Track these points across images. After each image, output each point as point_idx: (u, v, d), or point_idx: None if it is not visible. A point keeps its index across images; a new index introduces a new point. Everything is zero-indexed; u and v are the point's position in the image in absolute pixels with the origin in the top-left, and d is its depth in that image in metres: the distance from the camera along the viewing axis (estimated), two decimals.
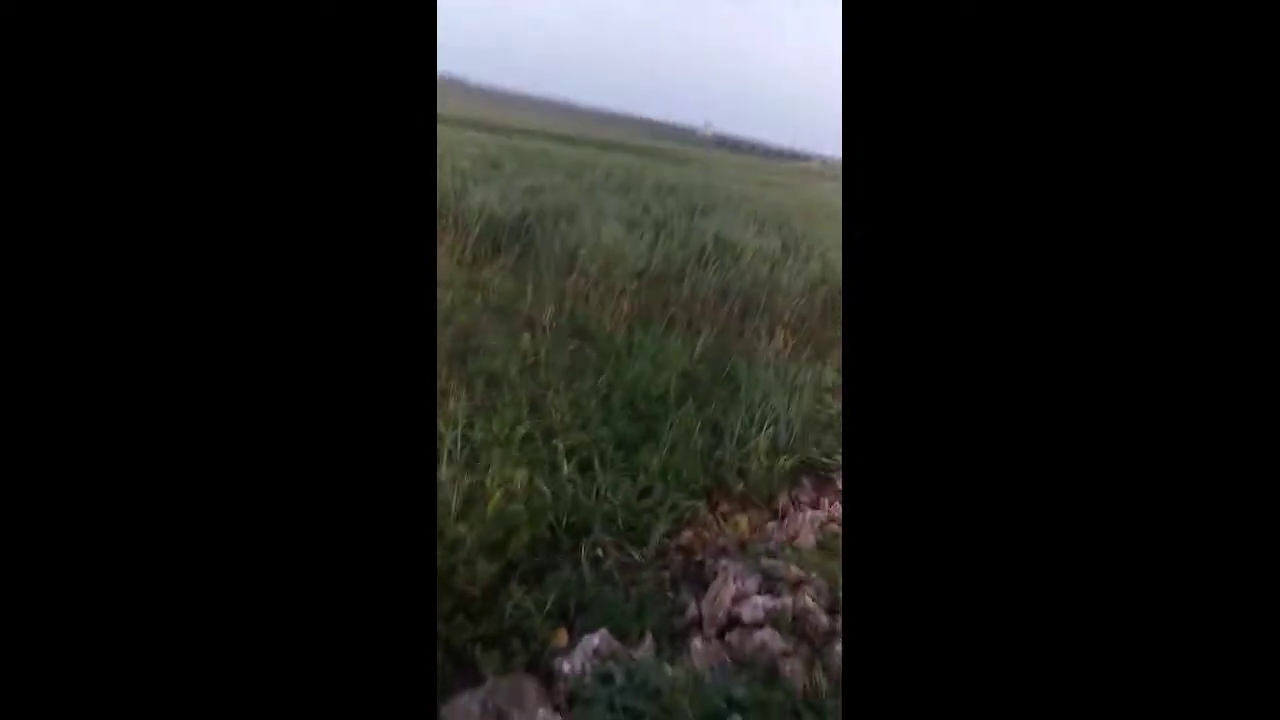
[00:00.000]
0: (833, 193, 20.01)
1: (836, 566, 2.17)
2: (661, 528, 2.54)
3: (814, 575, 2.17)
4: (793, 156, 64.44)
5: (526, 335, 3.99)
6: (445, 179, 7.07)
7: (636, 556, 2.40)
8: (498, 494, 2.37)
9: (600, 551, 2.38)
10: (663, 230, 6.40)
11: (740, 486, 2.86)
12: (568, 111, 67.82)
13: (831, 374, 4.60)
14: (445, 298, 4.46)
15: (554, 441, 2.86)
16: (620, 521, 2.53)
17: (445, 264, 5.31)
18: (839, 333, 5.54)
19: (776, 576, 2.18)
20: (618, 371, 3.78)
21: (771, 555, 2.34)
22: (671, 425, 3.16)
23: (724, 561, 2.32)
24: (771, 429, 3.22)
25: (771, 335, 5.18)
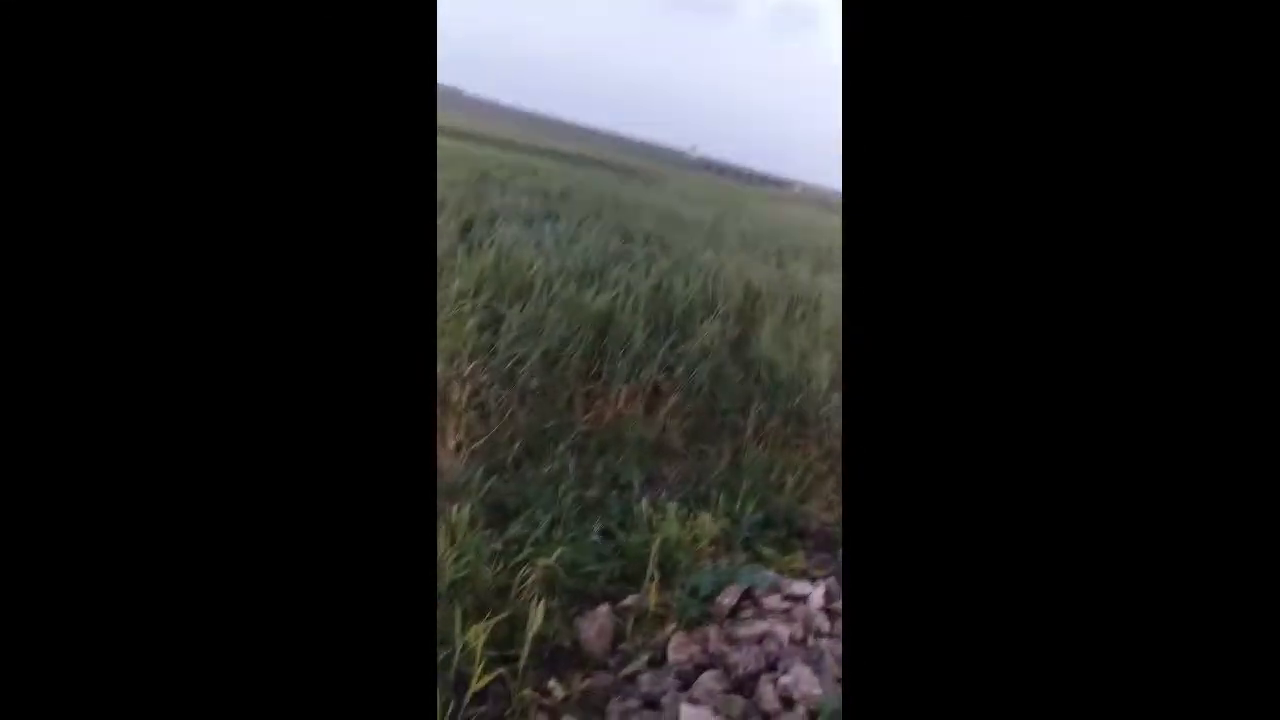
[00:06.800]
0: (802, 215, 18.89)
1: None
2: None
3: None
4: (776, 183, 63.53)
5: None
6: None
7: None
8: None
9: None
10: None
11: None
12: (551, 126, 66.37)
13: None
14: None
15: None
16: None
17: None
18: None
19: None
20: None
21: None
22: None
23: None
24: None
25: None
